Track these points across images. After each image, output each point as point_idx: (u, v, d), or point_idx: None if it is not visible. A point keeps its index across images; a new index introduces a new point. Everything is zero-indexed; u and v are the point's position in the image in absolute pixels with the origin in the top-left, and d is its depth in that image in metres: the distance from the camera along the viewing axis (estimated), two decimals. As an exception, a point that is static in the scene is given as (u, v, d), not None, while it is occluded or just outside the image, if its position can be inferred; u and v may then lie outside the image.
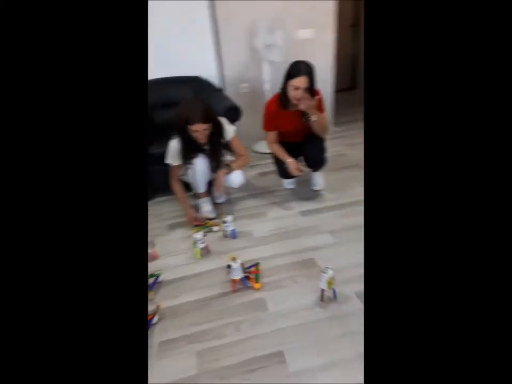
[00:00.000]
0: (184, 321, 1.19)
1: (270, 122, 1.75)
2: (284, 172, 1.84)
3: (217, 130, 1.61)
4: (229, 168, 1.70)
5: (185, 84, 2.27)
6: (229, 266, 1.31)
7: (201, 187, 1.75)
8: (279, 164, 1.82)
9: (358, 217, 1.69)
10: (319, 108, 1.65)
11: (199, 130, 1.50)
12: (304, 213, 1.78)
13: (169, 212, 1.93)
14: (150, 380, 0.99)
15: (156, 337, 1.14)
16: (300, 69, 1.54)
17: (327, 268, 1.17)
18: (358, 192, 1.93)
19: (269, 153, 2.65)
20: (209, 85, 2.34)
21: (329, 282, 1.17)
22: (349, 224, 1.64)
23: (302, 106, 1.59)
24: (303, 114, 1.67)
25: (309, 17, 2.59)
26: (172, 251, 1.59)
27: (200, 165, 1.65)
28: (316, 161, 1.86)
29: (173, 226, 1.78)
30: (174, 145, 1.61)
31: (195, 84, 2.30)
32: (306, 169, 1.89)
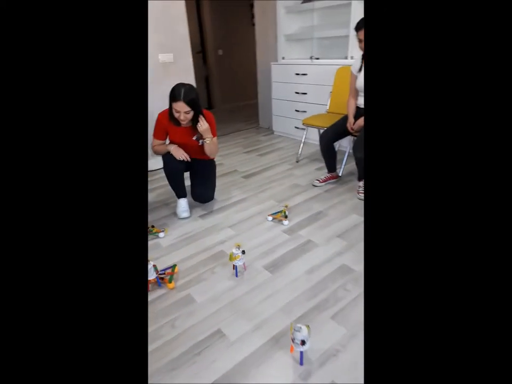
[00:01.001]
0: (114, 340, 1.16)
1: (158, 131, 1.86)
2: (169, 165, 1.87)
3: None
4: None
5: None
6: None
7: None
8: (164, 160, 1.87)
9: (246, 212, 1.99)
10: (213, 131, 1.85)
11: None
12: (202, 217, 1.96)
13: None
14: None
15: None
16: (179, 93, 1.65)
17: (238, 248, 1.39)
18: (239, 193, 2.26)
19: (151, 170, 2.69)
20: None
21: (230, 256, 1.40)
22: (241, 218, 1.92)
23: (200, 129, 1.76)
24: (196, 134, 1.84)
25: (168, 42, 2.80)
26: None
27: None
28: (202, 199, 2.04)
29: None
30: None
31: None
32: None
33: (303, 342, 0.98)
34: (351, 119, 2.11)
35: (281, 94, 3.34)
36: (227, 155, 3.04)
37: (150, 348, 1.13)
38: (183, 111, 1.69)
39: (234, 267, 1.44)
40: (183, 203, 1.96)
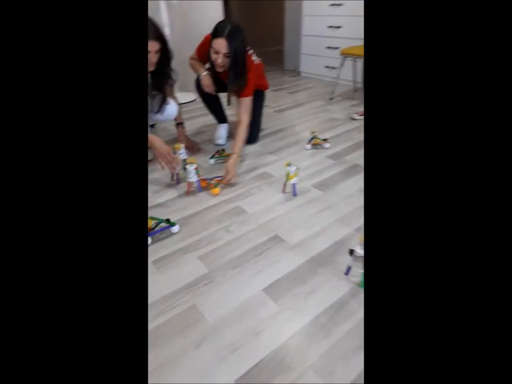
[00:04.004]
0: (170, 240, 1.13)
1: (201, 50, 1.60)
2: (199, 89, 1.73)
3: None
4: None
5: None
6: (185, 169, 1.36)
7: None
8: (197, 81, 1.71)
9: (284, 140, 1.90)
10: (262, 81, 1.70)
11: None
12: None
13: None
14: (158, 292, 0.92)
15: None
16: (222, 28, 1.37)
17: (291, 164, 1.31)
18: (273, 124, 2.16)
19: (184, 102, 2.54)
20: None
21: (288, 175, 1.32)
22: (281, 146, 1.83)
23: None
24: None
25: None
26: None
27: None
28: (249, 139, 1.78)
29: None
30: None
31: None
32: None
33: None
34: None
35: (312, 30, 3.10)
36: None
37: (207, 249, 1.09)
38: (222, 52, 1.40)
39: (293, 186, 1.35)
40: (221, 129, 1.86)
